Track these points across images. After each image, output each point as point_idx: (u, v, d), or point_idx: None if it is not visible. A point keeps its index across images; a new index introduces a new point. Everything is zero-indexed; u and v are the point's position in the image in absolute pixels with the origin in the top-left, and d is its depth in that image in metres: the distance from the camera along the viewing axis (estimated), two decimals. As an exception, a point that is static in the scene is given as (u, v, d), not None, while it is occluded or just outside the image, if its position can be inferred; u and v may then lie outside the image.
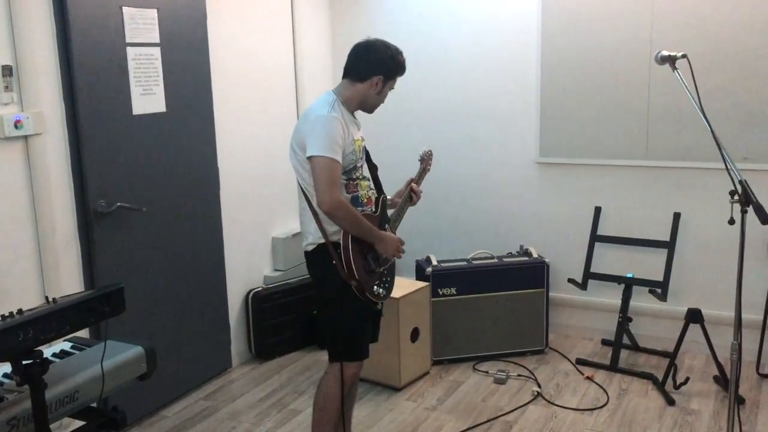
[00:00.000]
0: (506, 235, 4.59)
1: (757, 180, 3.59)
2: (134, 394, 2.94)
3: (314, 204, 2.71)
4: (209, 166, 3.91)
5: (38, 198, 3.07)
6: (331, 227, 2.73)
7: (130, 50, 3.37)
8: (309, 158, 2.65)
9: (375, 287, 2.81)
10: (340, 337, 2.81)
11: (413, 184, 3.10)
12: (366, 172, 2.90)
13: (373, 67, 2.79)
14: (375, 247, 2.80)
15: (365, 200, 2.83)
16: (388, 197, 3.08)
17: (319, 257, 2.78)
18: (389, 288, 2.93)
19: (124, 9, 3.32)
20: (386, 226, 2.92)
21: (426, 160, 3.20)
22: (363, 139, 2.87)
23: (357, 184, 2.80)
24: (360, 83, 2.80)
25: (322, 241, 2.75)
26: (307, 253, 2.85)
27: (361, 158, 2.86)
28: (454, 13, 4.55)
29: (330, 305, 2.81)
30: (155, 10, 3.48)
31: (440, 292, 4.12)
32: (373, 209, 2.87)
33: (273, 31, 4.39)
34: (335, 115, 2.68)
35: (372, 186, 2.92)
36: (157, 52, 3.51)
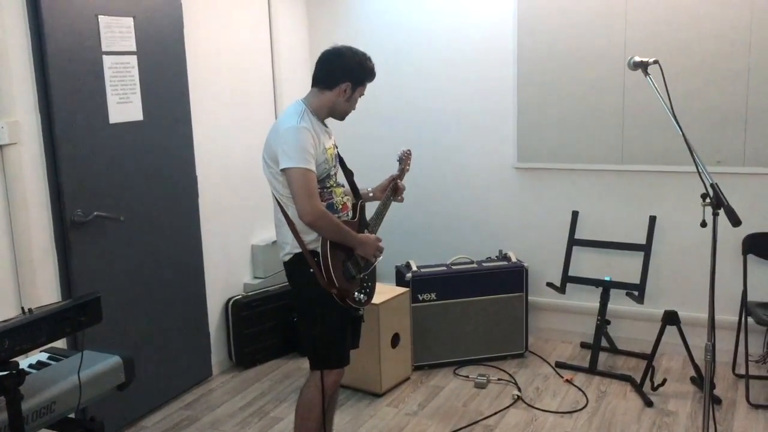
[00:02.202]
0: (485, 239, 4.61)
1: (730, 183, 3.66)
2: (113, 405, 2.93)
3: (290, 214, 2.72)
4: (187, 173, 3.90)
5: (14, 208, 3.04)
6: (308, 236, 2.72)
7: (106, 59, 3.35)
8: (283, 170, 2.65)
9: (356, 293, 2.81)
10: (320, 345, 2.81)
11: (398, 181, 3.10)
12: (340, 179, 2.90)
13: (340, 74, 2.77)
14: (355, 251, 2.80)
15: (340, 207, 2.83)
16: (368, 189, 3.09)
17: (297, 266, 2.78)
18: (370, 293, 2.93)
19: (100, 17, 3.31)
20: (365, 231, 2.92)
21: (405, 159, 3.20)
22: (335, 147, 2.87)
23: (331, 191, 2.80)
24: (328, 91, 2.79)
25: (299, 250, 2.74)
26: (285, 263, 2.85)
27: (334, 166, 2.86)
28: (431, 18, 4.57)
29: (310, 314, 2.81)
30: (131, 19, 3.47)
31: (420, 298, 4.13)
32: (351, 215, 2.87)
33: (250, 38, 4.39)
34: (304, 125, 2.67)
35: (347, 192, 2.92)
36: (133, 60, 3.50)
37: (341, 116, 2.89)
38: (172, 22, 3.72)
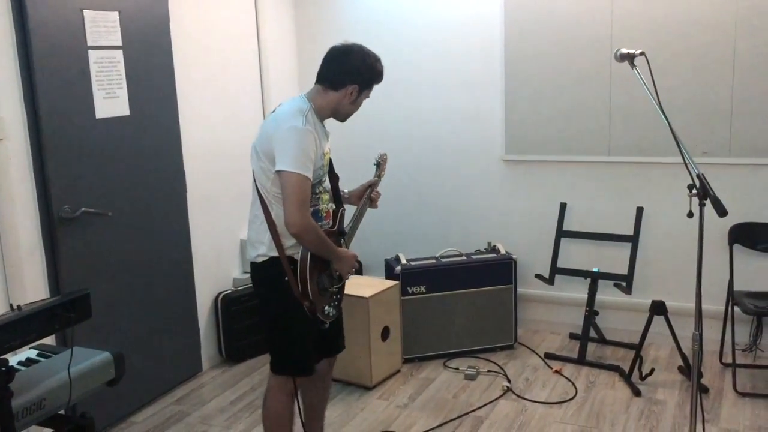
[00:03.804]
0: (474, 232, 4.63)
1: (716, 174, 3.68)
2: (103, 401, 2.92)
3: (273, 214, 2.59)
4: (175, 168, 3.89)
5: (0, 204, 3.01)
6: (289, 241, 2.59)
7: (91, 53, 3.33)
8: (278, 172, 2.51)
9: (326, 307, 2.70)
10: (283, 352, 2.73)
11: (376, 191, 3.00)
12: (327, 184, 2.79)
13: (348, 75, 2.64)
14: (333, 265, 2.70)
15: (324, 214, 2.73)
16: (345, 192, 2.99)
17: (269, 271, 2.64)
18: (338, 306, 2.81)
19: (85, 12, 3.28)
20: (342, 240, 2.82)
21: (382, 164, 3.09)
22: (330, 150, 2.76)
23: (319, 197, 2.69)
24: (334, 91, 2.66)
25: (276, 254, 2.61)
26: (255, 265, 2.69)
27: (327, 171, 2.74)
28: (419, 11, 4.57)
29: (275, 321, 2.70)
30: (116, 13, 3.44)
31: (410, 291, 4.14)
32: (331, 224, 2.77)
33: (237, 32, 4.38)
34: (309, 129, 2.53)
35: (331, 198, 2.81)
36: (119, 54, 3.48)
37: (344, 118, 2.77)
38: (158, 17, 3.70)
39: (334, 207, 2.81)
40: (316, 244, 2.58)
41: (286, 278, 2.59)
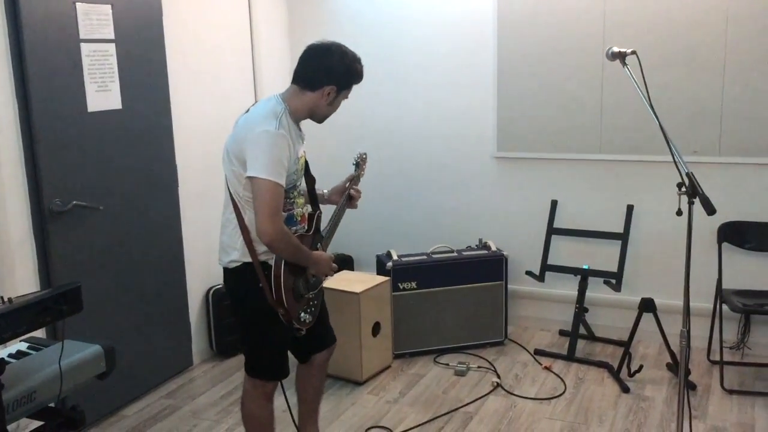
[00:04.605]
0: (465, 228, 4.64)
1: (706, 172, 3.71)
2: (94, 394, 2.92)
3: (246, 220, 2.52)
4: (167, 162, 3.88)
5: (-9, 197, 3.01)
6: (262, 246, 2.51)
7: (84, 46, 3.32)
8: (250, 178, 2.42)
9: (302, 314, 2.64)
10: (258, 357, 2.70)
11: (355, 188, 2.93)
12: (303, 186, 2.74)
13: (325, 76, 2.54)
14: (309, 270, 2.63)
15: (299, 218, 2.66)
16: (324, 192, 2.93)
17: (243, 277, 2.57)
18: (315, 312, 2.74)
19: (78, 5, 3.27)
20: (318, 245, 2.75)
21: (361, 164, 3.02)
22: (305, 153, 2.68)
23: (293, 201, 2.62)
24: (310, 92, 2.56)
25: (249, 260, 2.54)
26: (228, 271, 2.62)
27: (302, 175, 2.67)
28: (412, 7, 4.57)
29: (250, 326, 2.67)
30: (109, 6, 3.43)
31: (401, 287, 4.16)
32: (306, 227, 2.70)
33: (230, 26, 4.37)
34: (283, 133, 2.44)
35: (307, 200, 2.75)
36: (111, 48, 3.47)
37: (321, 120, 2.68)
38: (150, 10, 3.69)
39: (309, 210, 2.74)
40: (289, 252, 2.51)
41: (261, 285, 2.53)
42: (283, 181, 2.44)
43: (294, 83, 2.60)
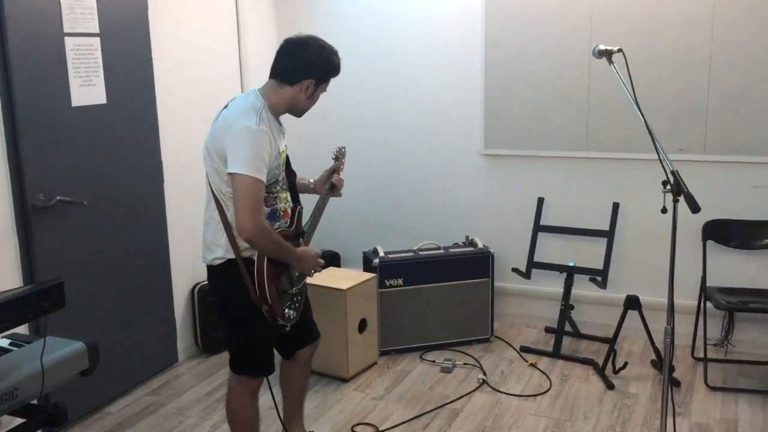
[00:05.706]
0: (452, 225, 4.64)
1: (691, 171, 3.72)
2: (77, 391, 2.89)
3: (229, 216, 2.52)
4: (152, 158, 3.86)
5: (-27, 192, 2.98)
6: (244, 242, 2.51)
7: (68, 40, 3.29)
8: (230, 174, 2.42)
9: (286, 310, 2.64)
10: (243, 353, 2.70)
11: (337, 177, 2.94)
12: (285, 182, 2.72)
13: (303, 69, 2.55)
14: (292, 266, 2.63)
15: (282, 213, 2.65)
16: (310, 181, 2.95)
17: (226, 274, 2.57)
18: (299, 308, 2.75)
19: (62, -2, 3.25)
20: (301, 240, 2.75)
21: (340, 158, 3.02)
22: (286, 147, 2.68)
23: (276, 196, 2.61)
24: (289, 86, 2.56)
25: (233, 256, 2.53)
26: (212, 268, 2.62)
27: (284, 170, 2.67)
28: (400, 4, 4.57)
29: (234, 322, 2.65)
30: (94, 0, 3.40)
31: (387, 283, 4.15)
32: (289, 223, 2.69)
33: (216, 20, 4.34)
34: (263, 128, 2.44)
35: (289, 197, 2.73)
36: (96, 42, 3.44)
37: (300, 114, 2.68)
38: (136, 4, 3.66)
39: (291, 205, 2.74)
40: (271, 248, 2.50)
41: (244, 281, 2.53)
42: (263, 177, 2.44)
43: (272, 78, 2.61)
